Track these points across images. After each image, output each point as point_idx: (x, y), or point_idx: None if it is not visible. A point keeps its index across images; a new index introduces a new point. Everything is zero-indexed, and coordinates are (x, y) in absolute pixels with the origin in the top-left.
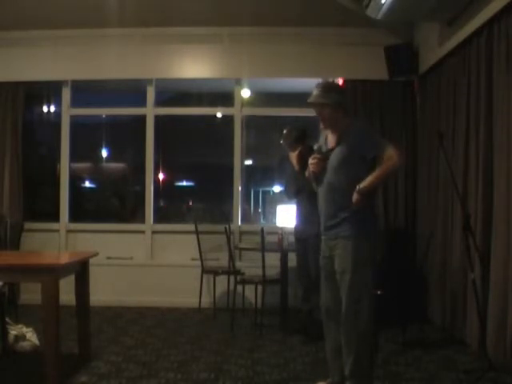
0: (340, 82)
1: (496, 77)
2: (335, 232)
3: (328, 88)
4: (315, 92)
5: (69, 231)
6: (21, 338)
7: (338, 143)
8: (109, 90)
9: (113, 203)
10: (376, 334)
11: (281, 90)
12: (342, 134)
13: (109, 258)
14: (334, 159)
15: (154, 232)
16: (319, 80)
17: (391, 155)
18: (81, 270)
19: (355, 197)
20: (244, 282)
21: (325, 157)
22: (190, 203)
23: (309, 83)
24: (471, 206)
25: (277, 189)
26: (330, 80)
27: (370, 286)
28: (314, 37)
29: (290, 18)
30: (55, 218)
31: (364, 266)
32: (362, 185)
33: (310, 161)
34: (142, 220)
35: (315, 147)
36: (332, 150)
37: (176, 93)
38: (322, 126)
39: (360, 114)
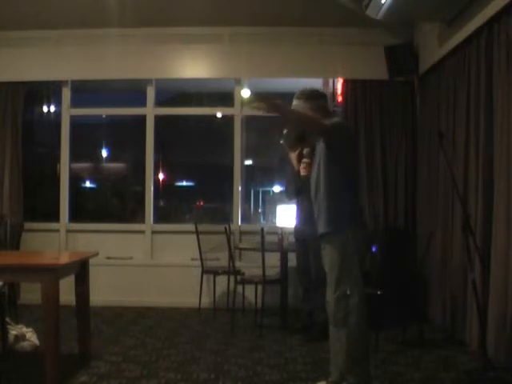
0: (341, 81)
1: (496, 77)
2: (319, 230)
3: (305, 95)
4: (294, 102)
5: (69, 231)
6: (21, 337)
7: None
8: (109, 90)
9: (113, 203)
10: (372, 331)
11: (281, 90)
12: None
13: (109, 258)
14: (316, 159)
15: (153, 232)
16: (319, 80)
17: (324, 122)
18: (81, 269)
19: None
20: (244, 281)
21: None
22: (201, 203)
23: (309, 83)
24: (471, 206)
25: (277, 189)
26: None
27: (357, 283)
28: (314, 37)
29: (290, 18)
30: (55, 218)
31: (346, 264)
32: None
33: (301, 165)
34: (142, 220)
35: (305, 151)
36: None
37: (176, 93)
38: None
39: (360, 114)
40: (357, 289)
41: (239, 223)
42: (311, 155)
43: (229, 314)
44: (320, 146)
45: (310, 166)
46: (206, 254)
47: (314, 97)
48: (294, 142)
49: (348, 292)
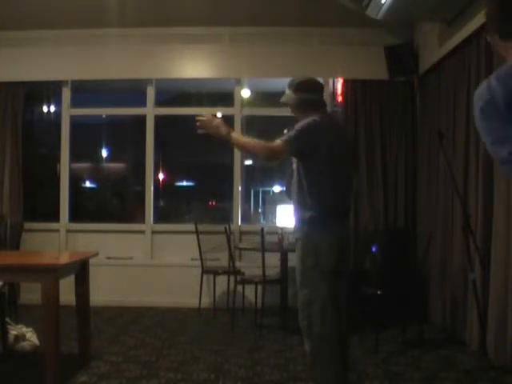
0: (343, 80)
1: None
2: (293, 233)
3: (293, 86)
4: (286, 91)
5: (69, 231)
6: (21, 337)
7: None
8: (109, 90)
9: (113, 203)
10: (372, 331)
11: (281, 90)
12: None
13: (109, 258)
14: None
15: (153, 232)
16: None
17: (271, 143)
18: (81, 269)
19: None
20: (244, 281)
21: None
22: (213, 203)
23: None
24: (471, 206)
25: (277, 189)
26: (303, 78)
27: (322, 291)
28: (314, 37)
29: (290, 18)
30: (55, 218)
31: (312, 270)
32: (234, 134)
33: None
34: (142, 220)
35: None
36: None
37: (176, 93)
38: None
39: (360, 114)
40: (319, 298)
41: (239, 223)
42: None
43: (229, 314)
44: None
45: None
46: (206, 253)
47: (302, 89)
48: None
49: (309, 299)
